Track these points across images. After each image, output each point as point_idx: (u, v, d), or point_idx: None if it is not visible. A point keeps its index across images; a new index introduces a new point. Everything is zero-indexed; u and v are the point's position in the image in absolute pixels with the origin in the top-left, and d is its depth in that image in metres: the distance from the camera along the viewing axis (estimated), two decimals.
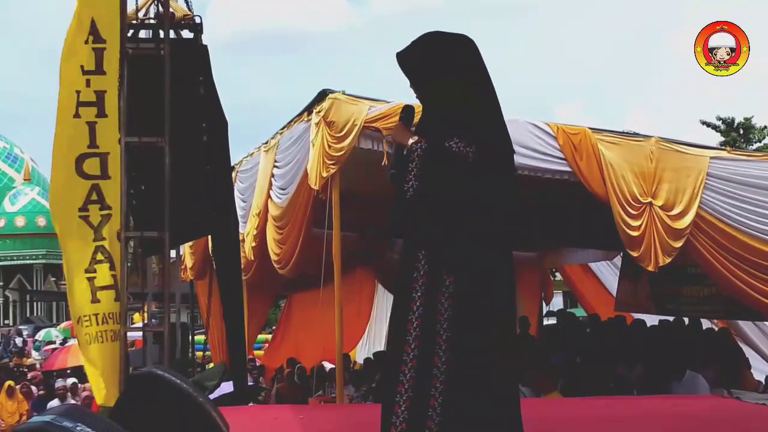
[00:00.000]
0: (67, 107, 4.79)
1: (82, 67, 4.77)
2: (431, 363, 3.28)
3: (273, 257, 8.73)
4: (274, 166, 8.66)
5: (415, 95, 3.59)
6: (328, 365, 11.72)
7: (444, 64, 3.46)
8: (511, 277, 3.54)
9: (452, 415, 3.25)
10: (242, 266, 9.68)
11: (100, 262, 4.88)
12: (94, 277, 4.86)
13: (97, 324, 4.90)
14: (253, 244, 9.19)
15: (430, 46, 3.52)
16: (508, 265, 3.52)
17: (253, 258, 9.32)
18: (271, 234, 8.76)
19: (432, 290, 3.33)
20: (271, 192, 8.77)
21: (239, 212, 9.68)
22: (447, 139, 3.36)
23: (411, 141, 3.43)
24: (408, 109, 3.66)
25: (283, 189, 8.49)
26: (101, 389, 4.64)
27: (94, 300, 4.88)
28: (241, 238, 9.44)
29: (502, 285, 3.46)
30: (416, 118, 3.65)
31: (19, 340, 28.43)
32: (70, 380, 12.62)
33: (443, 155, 3.34)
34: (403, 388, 3.29)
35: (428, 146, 3.37)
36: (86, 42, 4.76)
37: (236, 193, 9.75)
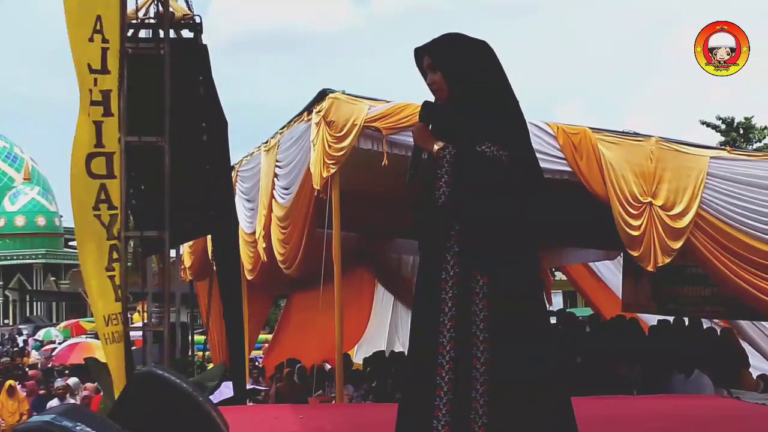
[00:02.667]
0: (83, 106, 4.81)
1: (89, 65, 4.78)
2: (470, 365, 3.20)
3: (278, 257, 8.71)
4: (276, 166, 8.65)
5: (430, 91, 3.46)
6: (328, 365, 11.74)
7: (469, 64, 3.37)
8: (540, 276, 3.49)
9: (499, 418, 3.18)
10: (251, 267, 9.69)
11: (116, 260, 4.89)
12: (114, 275, 4.85)
13: (120, 323, 4.92)
14: (264, 245, 9.15)
15: (454, 44, 3.41)
16: (536, 264, 3.50)
17: (266, 259, 9.24)
18: (275, 234, 8.75)
19: (465, 291, 3.25)
20: (274, 192, 8.76)
21: (245, 212, 9.68)
22: (477, 143, 3.26)
23: (436, 147, 3.31)
24: (426, 106, 3.50)
25: (286, 189, 8.47)
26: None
27: (117, 299, 4.88)
28: (252, 239, 9.43)
29: (534, 285, 3.43)
30: (434, 120, 3.53)
31: (20, 340, 28.48)
32: (72, 380, 12.61)
33: (477, 160, 3.25)
34: (442, 391, 3.20)
35: (458, 152, 3.28)
36: (91, 40, 4.76)
37: (240, 193, 9.75)
